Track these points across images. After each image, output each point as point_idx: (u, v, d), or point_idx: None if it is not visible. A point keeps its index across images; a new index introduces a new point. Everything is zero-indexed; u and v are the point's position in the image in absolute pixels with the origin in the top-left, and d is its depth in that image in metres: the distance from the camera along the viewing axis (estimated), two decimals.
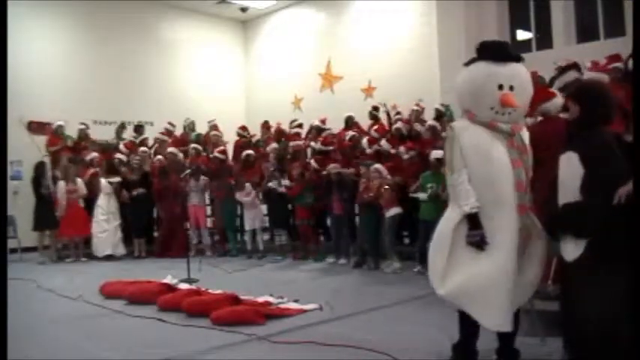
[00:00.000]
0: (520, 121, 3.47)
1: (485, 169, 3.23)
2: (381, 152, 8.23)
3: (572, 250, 2.89)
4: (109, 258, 9.33)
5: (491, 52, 3.40)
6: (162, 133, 11.14)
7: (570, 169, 2.91)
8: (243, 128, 11.04)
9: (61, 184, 9.39)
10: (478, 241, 3.20)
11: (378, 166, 7.48)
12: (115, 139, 10.90)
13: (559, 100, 4.79)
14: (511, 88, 3.29)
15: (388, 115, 9.52)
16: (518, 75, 3.36)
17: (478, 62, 3.39)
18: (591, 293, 2.75)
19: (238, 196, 9.03)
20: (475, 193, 3.23)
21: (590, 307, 2.76)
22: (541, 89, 6.48)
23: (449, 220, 3.35)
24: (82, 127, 10.69)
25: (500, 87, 3.28)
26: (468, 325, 3.37)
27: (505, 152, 3.24)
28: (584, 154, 2.85)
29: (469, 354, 3.46)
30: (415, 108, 9.11)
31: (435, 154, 6.89)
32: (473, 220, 3.22)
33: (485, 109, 3.32)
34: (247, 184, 8.99)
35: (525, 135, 3.42)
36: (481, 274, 3.18)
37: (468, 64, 3.46)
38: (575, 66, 5.91)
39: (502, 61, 3.34)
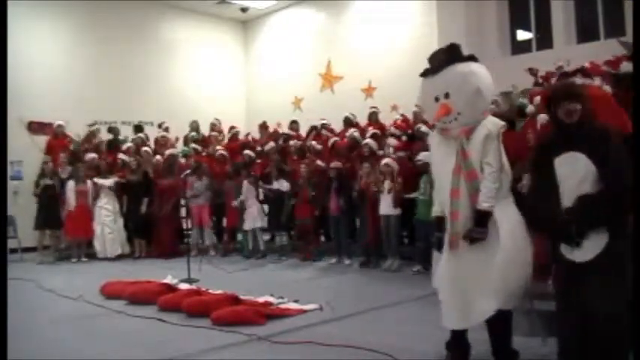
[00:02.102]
0: (470, 122, 3.30)
1: (438, 176, 3.49)
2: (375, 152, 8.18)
3: (586, 250, 2.82)
4: (110, 258, 9.32)
5: (428, 65, 3.48)
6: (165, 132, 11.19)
7: (576, 170, 2.86)
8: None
9: (71, 183, 9.40)
10: (434, 243, 3.52)
11: (388, 160, 7.42)
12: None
13: None
14: (447, 95, 3.32)
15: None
16: (451, 79, 3.32)
17: (422, 77, 3.52)
18: (615, 294, 2.71)
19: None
20: (439, 199, 3.50)
21: (615, 308, 2.70)
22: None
23: None
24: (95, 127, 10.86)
25: (437, 99, 3.36)
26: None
27: (453, 160, 3.32)
28: (594, 153, 2.81)
29: (461, 347, 3.49)
30: (416, 109, 9.08)
31: (421, 155, 6.92)
32: (437, 224, 3.50)
33: (434, 121, 3.51)
34: (251, 184, 9.01)
35: (476, 136, 3.26)
36: (439, 272, 3.46)
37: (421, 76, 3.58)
38: (581, 71, 5.62)
39: (436, 72, 3.39)
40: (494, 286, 3.18)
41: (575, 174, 2.87)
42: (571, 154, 2.89)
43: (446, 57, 3.41)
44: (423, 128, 8.07)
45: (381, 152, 8.24)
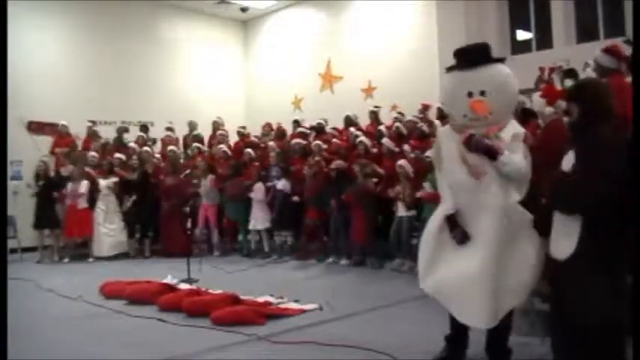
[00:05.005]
0: (501, 122, 3.34)
1: (461, 174, 3.31)
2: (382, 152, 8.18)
3: (564, 248, 2.81)
4: (110, 258, 9.30)
5: (462, 58, 3.41)
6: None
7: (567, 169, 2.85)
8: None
9: (70, 184, 9.39)
10: (460, 239, 3.31)
11: (402, 162, 7.36)
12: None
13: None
14: (482, 93, 3.26)
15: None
16: (490, 78, 3.29)
17: (452, 70, 3.44)
18: (584, 294, 2.68)
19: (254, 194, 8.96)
20: (454, 196, 3.36)
21: (582, 309, 2.68)
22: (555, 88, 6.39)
23: (435, 217, 3.47)
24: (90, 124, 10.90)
25: (470, 94, 3.29)
26: (458, 320, 3.42)
27: (478, 158, 3.25)
28: (578, 152, 2.81)
29: (461, 344, 3.51)
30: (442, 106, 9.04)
31: (429, 153, 6.89)
32: (450, 222, 3.35)
33: (459, 117, 3.39)
34: (259, 183, 8.98)
35: (505, 133, 3.29)
36: (461, 271, 3.24)
37: (448, 70, 3.50)
38: (616, 53, 5.08)
39: (473, 67, 3.31)
40: (525, 283, 3.21)
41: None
42: (569, 154, 2.89)
43: (482, 55, 3.38)
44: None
45: (374, 150, 8.22)
